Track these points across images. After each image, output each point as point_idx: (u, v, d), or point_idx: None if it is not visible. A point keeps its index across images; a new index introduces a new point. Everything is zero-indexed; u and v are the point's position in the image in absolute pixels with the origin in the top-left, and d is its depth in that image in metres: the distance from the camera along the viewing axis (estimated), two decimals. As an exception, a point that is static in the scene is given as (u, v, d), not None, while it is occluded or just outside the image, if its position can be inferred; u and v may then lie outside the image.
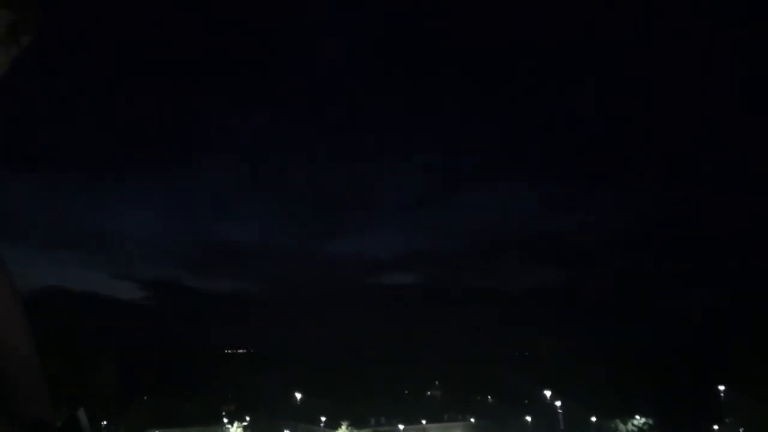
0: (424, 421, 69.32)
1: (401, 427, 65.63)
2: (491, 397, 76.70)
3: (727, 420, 58.19)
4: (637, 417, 65.94)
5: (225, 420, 66.13)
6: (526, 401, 70.93)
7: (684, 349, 66.60)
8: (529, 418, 67.20)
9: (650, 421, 64.59)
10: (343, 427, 62.92)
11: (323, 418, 66.61)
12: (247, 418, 66.91)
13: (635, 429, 66.04)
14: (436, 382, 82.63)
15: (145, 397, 60.48)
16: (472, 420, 70.79)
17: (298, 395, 72.87)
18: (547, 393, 67.83)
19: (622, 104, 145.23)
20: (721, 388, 59.93)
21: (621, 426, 66.06)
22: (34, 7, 1.06)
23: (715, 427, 59.14)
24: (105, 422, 48.64)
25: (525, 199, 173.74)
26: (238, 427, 63.86)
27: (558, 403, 66.92)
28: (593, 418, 65.92)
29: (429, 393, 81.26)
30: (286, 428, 64.15)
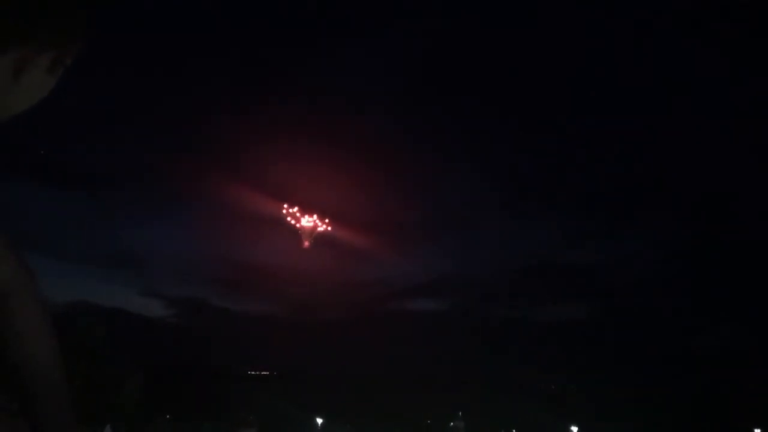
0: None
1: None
2: (515, 431, 75.27)
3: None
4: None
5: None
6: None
7: (716, 389, 64.78)
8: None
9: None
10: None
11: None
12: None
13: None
14: (459, 413, 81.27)
15: (168, 416, 60.53)
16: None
17: (319, 420, 72.27)
18: (574, 429, 66.37)
19: (655, 138, 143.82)
20: (757, 431, 58.06)
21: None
22: (82, 35, 1.07)
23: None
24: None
25: (552, 230, 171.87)
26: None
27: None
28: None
29: (452, 424, 79.92)
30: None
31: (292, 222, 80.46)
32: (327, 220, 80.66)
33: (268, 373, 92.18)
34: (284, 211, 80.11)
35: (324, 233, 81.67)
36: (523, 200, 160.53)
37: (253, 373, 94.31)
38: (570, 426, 66.41)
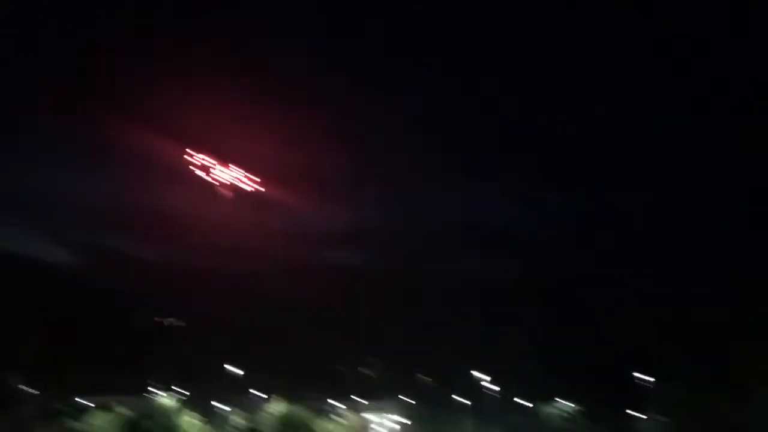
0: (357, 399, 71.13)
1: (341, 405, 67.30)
2: (425, 377, 78.06)
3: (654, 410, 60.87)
4: (565, 402, 68.93)
5: (158, 391, 65.11)
6: (459, 383, 72.22)
7: (617, 343, 69.00)
8: (460, 399, 69.35)
9: (579, 407, 67.48)
10: (277, 401, 62.76)
11: (258, 393, 67.08)
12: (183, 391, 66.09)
13: (563, 413, 68.86)
14: (371, 361, 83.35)
15: (77, 366, 59.19)
16: (405, 399, 72.52)
17: (234, 369, 72.63)
18: (481, 376, 69.51)
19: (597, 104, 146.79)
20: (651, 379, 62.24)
21: (553, 410, 68.88)
22: None
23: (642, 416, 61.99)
24: (37, 392, 47.14)
25: (487, 191, 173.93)
26: (172, 398, 62.69)
27: (491, 386, 68.90)
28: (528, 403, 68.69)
29: (363, 371, 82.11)
30: (221, 401, 64.14)
31: (210, 170, 78.81)
32: (247, 169, 79.46)
33: (185, 324, 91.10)
34: (201, 160, 78.25)
35: (243, 182, 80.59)
36: (458, 158, 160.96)
37: (167, 321, 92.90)
38: (477, 373, 69.64)
